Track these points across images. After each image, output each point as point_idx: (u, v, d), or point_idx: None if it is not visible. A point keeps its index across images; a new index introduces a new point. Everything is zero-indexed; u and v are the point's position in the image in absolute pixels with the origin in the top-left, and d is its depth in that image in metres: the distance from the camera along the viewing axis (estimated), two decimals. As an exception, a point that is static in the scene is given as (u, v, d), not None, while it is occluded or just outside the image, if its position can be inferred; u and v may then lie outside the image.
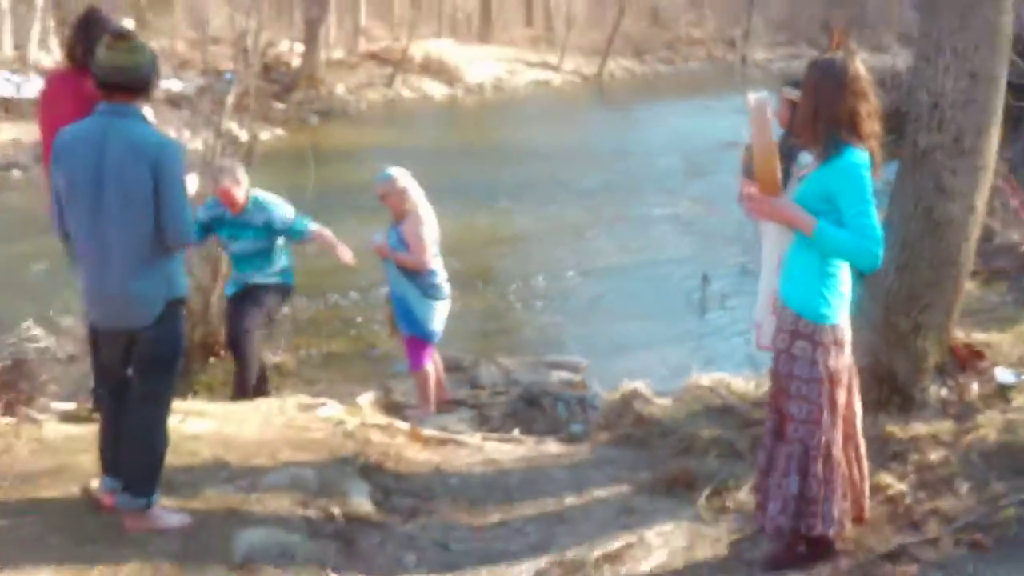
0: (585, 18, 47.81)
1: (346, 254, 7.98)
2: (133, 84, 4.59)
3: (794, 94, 5.58)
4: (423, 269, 7.96)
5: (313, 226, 8.05)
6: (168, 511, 5.01)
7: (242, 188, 7.90)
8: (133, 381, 4.88)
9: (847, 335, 4.71)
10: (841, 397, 4.70)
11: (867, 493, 4.96)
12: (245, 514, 5.20)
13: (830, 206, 4.50)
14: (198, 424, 6.24)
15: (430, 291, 8.02)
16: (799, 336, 4.64)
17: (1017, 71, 10.96)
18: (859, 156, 4.50)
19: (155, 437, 4.88)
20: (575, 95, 38.35)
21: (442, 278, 8.13)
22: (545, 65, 42.12)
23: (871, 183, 4.51)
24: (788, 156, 5.42)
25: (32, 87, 20.03)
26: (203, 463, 5.73)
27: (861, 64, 4.61)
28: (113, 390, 4.98)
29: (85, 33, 5.84)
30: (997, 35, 5.75)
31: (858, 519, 4.95)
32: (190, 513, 5.09)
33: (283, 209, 8.02)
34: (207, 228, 8.04)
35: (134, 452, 4.84)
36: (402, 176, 7.98)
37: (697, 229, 16.35)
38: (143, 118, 4.67)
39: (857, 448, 4.90)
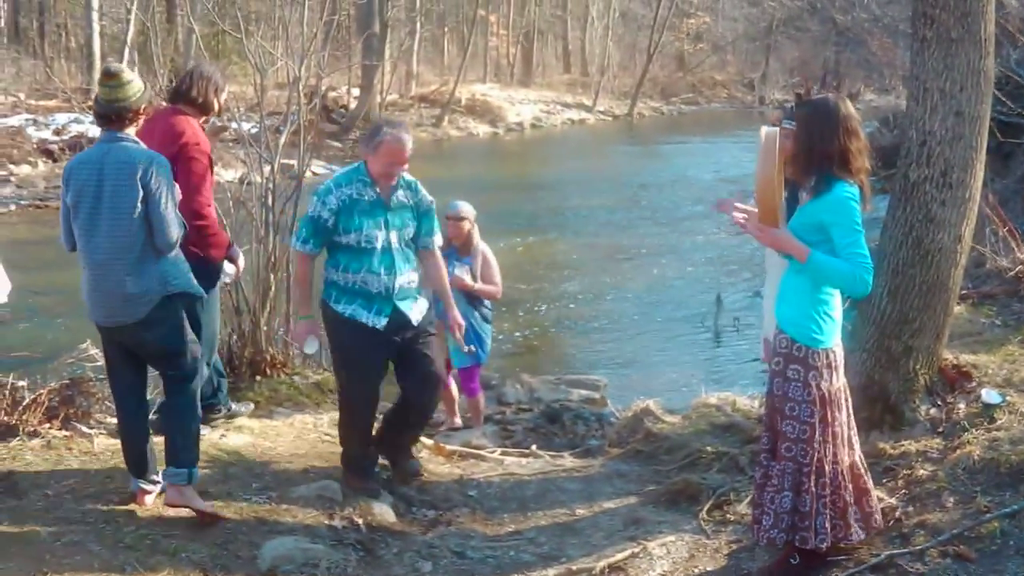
0: (617, 64, 48.02)
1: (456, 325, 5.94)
2: (120, 113, 4.82)
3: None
4: (497, 298, 7.72)
5: (439, 239, 5.92)
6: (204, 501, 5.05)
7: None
8: (160, 375, 5.11)
9: (840, 358, 4.54)
10: (834, 417, 4.52)
11: (875, 506, 4.75)
12: (273, 524, 5.11)
13: (823, 236, 4.36)
14: (236, 438, 6.12)
15: (489, 316, 7.75)
16: (793, 359, 4.48)
17: (1006, 110, 10.81)
18: (849, 190, 4.37)
19: (188, 414, 5.02)
20: (607, 133, 38.42)
21: None
22: (580, 106, 42.37)
23: (861, 215, 4.36)
24: (796, 183, 5.24)
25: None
26: (237, 475, 5.62)
27: (850, 104, 4.48)
28: (124, 392, 5.08)
29: (190, 81, 6.06)
30: (980, 76, 5.60)
31: (869, 530, 4.71)
32: (223, 523, 5.00)
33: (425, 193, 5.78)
34: (330, 228, 5.41)
35: (173, 429, 4.99)
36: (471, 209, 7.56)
37: (716, 254, 16.18)
38: (135, 141, 4.88)
39: (863, 462, 4.71)
